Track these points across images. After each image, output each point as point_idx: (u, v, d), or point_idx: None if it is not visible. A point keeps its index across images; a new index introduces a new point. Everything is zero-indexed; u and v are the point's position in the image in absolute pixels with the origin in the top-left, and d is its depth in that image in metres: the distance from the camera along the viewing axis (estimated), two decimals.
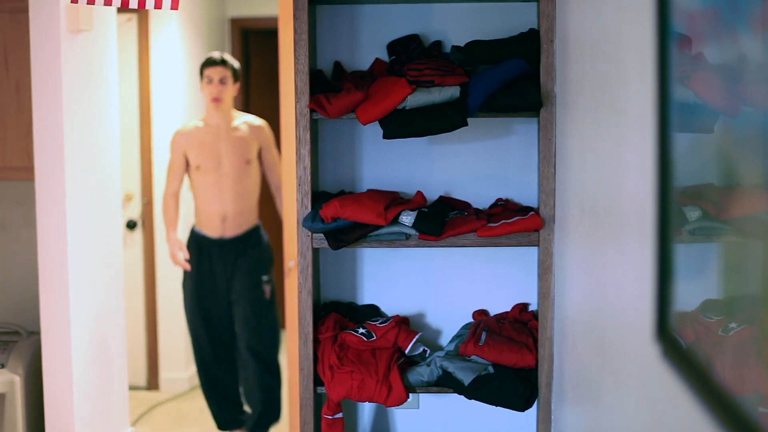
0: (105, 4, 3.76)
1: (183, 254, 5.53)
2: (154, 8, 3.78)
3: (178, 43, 6.85)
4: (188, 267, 5.54)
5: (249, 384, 5.68)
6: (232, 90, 5.53)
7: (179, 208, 5.68)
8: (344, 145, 3.52)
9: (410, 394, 3.28)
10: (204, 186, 5.51)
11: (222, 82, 5.45)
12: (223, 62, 5.49)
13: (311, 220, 3.24)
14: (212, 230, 5.54)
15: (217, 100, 5.43)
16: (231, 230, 5.53)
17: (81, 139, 4.31)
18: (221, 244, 5.54)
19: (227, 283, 5.58)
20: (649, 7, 1.81)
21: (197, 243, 5.59)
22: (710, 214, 1.51)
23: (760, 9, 1.26)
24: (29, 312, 4.68)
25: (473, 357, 3.28)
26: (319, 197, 3.38)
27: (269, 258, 5.71)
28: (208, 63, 5.51)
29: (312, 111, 3.26)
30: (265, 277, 5.58)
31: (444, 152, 3.50)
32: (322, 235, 3.27)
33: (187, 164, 5.56)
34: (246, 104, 8.05)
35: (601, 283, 2.43)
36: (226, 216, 5.50)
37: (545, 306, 3.25)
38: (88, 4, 3.75)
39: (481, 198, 3.50)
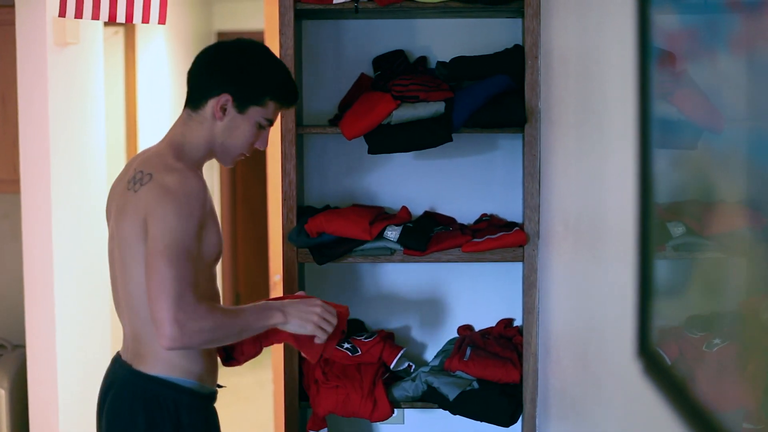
0: (92, 18, 3.75)
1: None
2: (142, 22, 3.78)
3: (165, 57, 6.85)
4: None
5: None
6: None
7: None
8: (329, 160, 3.52)
9: (395, 410, 3.28)
10: None
11: None
12: None
13: (296, 235, 3.24)
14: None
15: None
16: (140, 361, 2.73)
17: (67, 152, 4.31)
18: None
19: None
20: (630, 24, 1.82)
21: None
22: (694, 230, 1.51)
23: (737, 29, 1.27)
24: (15, 325, 4.66)
25: (458, 372, 3.28)
26: (304, 212, 3.38)
27: None
28: (293, 98, 2.75)
29: (297, 126, 3.26)
30: None
31: (429, 168, 3.51)
32: (307, 249, 3.27)
33: None
34: None
35: (585, 299, 2.43)
36: (126, 335, 2.83)
37: (530, 321, 3.25)
38: (75, 17, 3.74)
39: (466, 213, 3.50)
